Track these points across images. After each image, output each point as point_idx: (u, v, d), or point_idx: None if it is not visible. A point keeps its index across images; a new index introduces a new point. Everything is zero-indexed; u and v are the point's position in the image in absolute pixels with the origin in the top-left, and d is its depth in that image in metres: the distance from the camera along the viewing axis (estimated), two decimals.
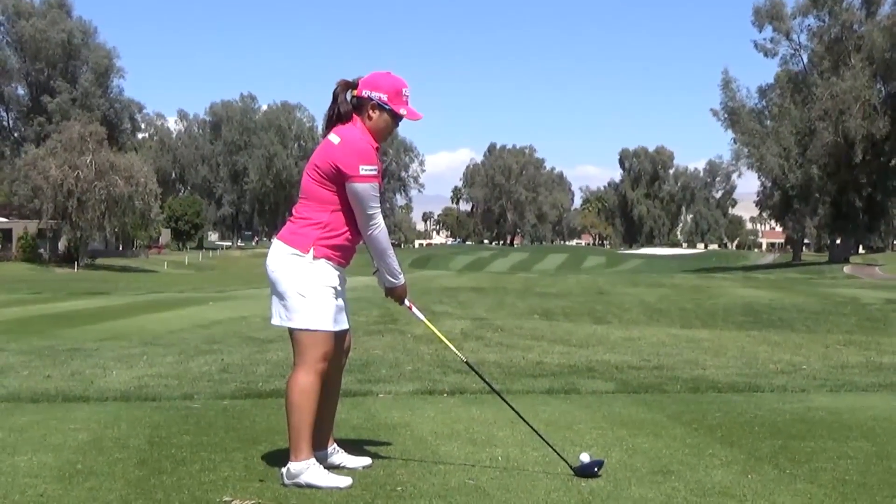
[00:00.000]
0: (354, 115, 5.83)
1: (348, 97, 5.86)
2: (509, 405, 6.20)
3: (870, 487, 5.56)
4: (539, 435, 5.87)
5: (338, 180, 5.66)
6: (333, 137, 5.75)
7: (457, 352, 6.09)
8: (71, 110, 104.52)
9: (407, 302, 6.02)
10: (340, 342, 5.90)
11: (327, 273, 5.71)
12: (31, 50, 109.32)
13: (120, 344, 14.68)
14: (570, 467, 5.67)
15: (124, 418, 7.61)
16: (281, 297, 5.73)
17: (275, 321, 5.81)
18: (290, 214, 5.88)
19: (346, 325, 5.88)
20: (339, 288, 5.77)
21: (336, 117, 5.83)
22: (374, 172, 5.67)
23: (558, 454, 5.74)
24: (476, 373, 6.25)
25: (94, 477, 5.63)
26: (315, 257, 5.69)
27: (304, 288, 5.67)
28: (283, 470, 5.58)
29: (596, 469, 5.68)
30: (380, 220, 5.75)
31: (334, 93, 5.87)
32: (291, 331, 5.73)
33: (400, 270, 5.95)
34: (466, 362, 6.16)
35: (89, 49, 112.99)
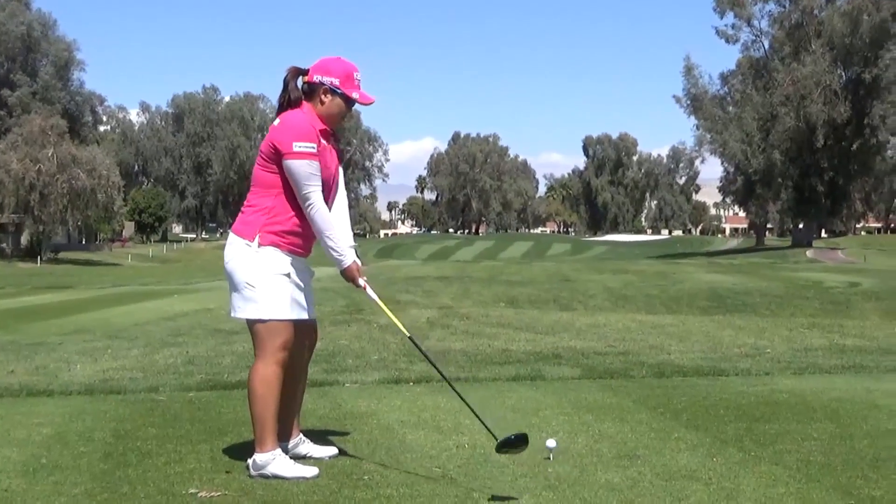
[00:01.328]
0: (304, 101, 5.82)
1: (299, 83, 5.84)
2: (448, 382, 6.12)
3: (833, 468, 5.61)
4: (472, 410, 5.80)
5: (277, 160, 5.64)
6: (276, 121, 5.76)
7: (402, 328, 6.01)
8: (31, 104, 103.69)
9: (362, 282, 5.88)
10: (302, 332, 5.85)
11: (276, 260, 5.67)
12: None
13: (84, 338, 14.58)
14: (496, 440, 5.57)
15: (89, 412, 7.56)
16: (235, 288, 5.73)
17: (233, 313, 5.80)
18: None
19: (305, 315, 5.81)
20: (293, 276, 5.71)
21: (287, 104, 5.81)
22: (310, 149, 5.62)
23: (489, 430, 5.68)
24: (419, 349, 6.16)
25: (59, 471, 5.59)
26: (261, 245, 5.67)
27: (253, 278, 5.64)
28: (249, 461, 5.57)
29: (514, 438, 5.47)
30: (315, 198, 5.65)
31: (285, 80, 5.84)
32: (248, 322, 5.72)
33: (343, 251, 5.77)
34: (410, 338, 6.09)
35: (49, 42, 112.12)
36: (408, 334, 6.01)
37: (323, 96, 5.78)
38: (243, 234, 5.72)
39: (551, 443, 5.82)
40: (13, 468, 5.67)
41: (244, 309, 5.69)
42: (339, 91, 5.77)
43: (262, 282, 5.64)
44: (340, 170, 6.07)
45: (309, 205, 5.65)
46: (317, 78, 5.78)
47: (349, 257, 5.79)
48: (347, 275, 5.85)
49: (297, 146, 5.60)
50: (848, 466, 5.65)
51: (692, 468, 5.57)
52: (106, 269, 77.23)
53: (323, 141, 5.76)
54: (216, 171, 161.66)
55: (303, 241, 5.80)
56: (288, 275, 5.69)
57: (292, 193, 5.68)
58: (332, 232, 5.74)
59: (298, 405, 6.13)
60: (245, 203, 5.83)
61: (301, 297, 5.78)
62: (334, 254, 5.78)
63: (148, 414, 7.46)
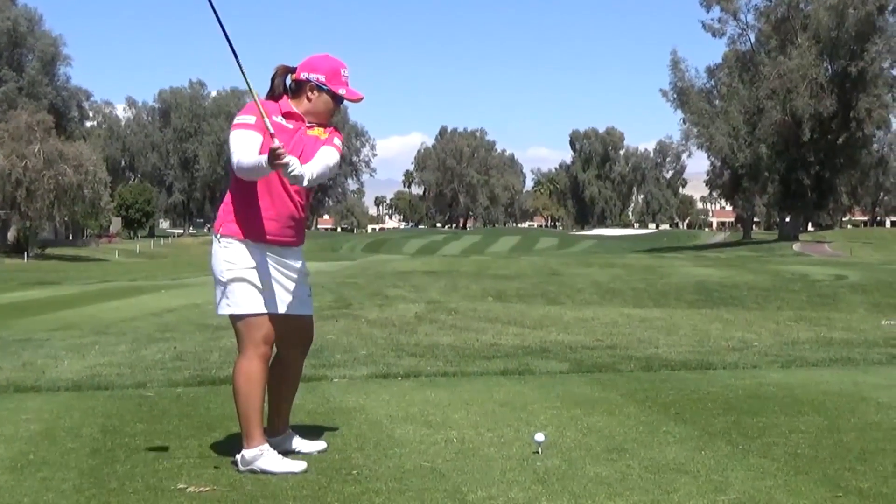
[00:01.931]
0: (288, 97, 5.81)
1: (287, 81, 5.84)
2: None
3: (821, 460, 5.63)
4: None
5: None
6: None
7: (270, 127, 5.72)
8: (17, 99, 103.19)
9: (276, 142, 5.35)
10: (290, 327, 5.84)
11: (239, 253, 5.64)
12: None
13: (71, 333, 14.56)
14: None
15: (77, 408, 7.55)
16: (214, 284, 5.77)
17: (216, 310, 5.84)
18: None
19: (281, 309, 5.75)
20: (261, 267, 5.67)
21: (272, 100, 5.82)
22: (244, 121, 5.59)
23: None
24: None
25: (47, 467, 5.58)
26: (223, 236, 5.67)
27: (221, 272, 5.67)
28: (238, 457, 5.57)
29: None
30: (237, 158, 5.50)
31: (272, 77, 5.85)
32: (230, 319, 5.77)
33: (257, 160, 5.40)
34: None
35: (35, 37, 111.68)
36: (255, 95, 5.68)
37: (309, 93, 5.76)
38: (215, 228, 5.80)
39: (539, 436, 5.83)
40: (1, 464, 5.66)
41: (220, 305, 5.73)
42: (325, 87, 5.75)
43: (228, 276, 5.64)
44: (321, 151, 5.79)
45: (236, 167, 5.55)
46: (304, 75, 5.77)
47: (261, 158, 5.39)
48: (272, 160, 5.31)
49: (238, 119, 5.64)
50: (836, 459, 5.67)
51: (681, 461, 5.59)
52: (93, 264, 77.03)
53: (286, 123, 5.68)
54: (203, 167, 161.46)
55: (268, 225, 5.68)
56: (252, 267, 5.64)
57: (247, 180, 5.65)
58: (249, 161, 5.47)
59: (289, 402, 6.13)
60: None
61: (274, 290, 5.72)
62: (254, 166, 5.46)
63: (136, 410, 7.45)
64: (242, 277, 5.63)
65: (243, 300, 5.64)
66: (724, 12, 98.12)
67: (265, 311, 5.67)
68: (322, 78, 5.73)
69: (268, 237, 5.69)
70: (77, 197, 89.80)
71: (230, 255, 5.64)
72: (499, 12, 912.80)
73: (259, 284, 5.65)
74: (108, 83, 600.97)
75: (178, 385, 8.87)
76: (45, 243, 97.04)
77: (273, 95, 5.80)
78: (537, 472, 5.38)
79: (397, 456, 5.79)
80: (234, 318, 5.69)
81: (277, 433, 5.93)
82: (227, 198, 5.75)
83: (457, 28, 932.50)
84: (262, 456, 5.53)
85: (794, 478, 5.25)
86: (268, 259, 5.69)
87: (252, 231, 5.66)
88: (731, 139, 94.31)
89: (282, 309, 5.74)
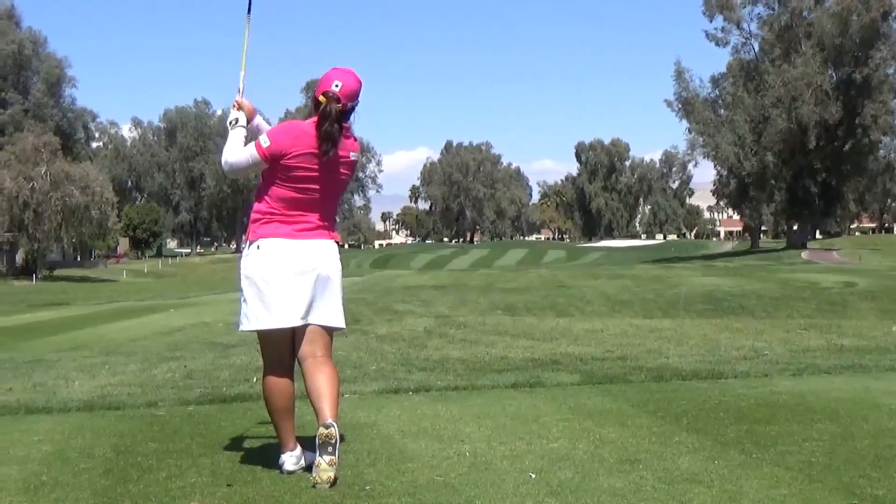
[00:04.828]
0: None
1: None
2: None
3: (836, 468, 5.61)
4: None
5: None
6: None
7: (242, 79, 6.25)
8: (24, 121, 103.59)
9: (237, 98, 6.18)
10: (305, 336, 5.83)
11: (257, 260, 5.72)
12: None
13: (81, 354, 14.55)
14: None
15: (88, 428, 7.54)
16: None
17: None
18: None
19: (281, 324, 5.72)
20: (275, 276, 5.68)
21: None
22: (261, 141, 5.76)
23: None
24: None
25: (60, 488, 5.57)
26: (251, 241, 5.78)
27: (240, 287, 5.80)
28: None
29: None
30: (225, 158, 5.89)
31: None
32: None
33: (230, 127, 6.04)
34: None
35: (40, 59, 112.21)
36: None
37: (315, 109, 5.80)
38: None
39: None
40: (14, 486, 5.65)
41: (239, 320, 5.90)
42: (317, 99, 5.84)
43: (242, 291, 5.78)
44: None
45: (224, 164, 5.94)
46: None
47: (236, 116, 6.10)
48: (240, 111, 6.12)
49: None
50: (850, 466, 5.65)
51: (694, 471, 5.57)
52: (101, 285, 77.15)
53: (310, 148, 5.71)
54: (210, 186, 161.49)
55: (281, 221, 5.77)
56: (264, 279, 5.69)
57: (264, 183, 5.81)
58: (230, 147, 5.94)
59: (324, 411, 5.62)
60: None
61: (278, 301, 5.70)
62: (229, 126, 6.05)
63: (147, 429, 7.44)
64: (247, 292, 5.72)
65: (246, 316, 5.76)
66: (727, 22, 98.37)
67: (261, 327, 5.75)
68: (317, 91, 5.89)
69: (275, 233, 5.75)
70: (84, 218, 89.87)
71: (247, 266, 5.74)
72: (502, 26, 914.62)
73: (262, 298, 5.69)
74: (114, 104, 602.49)
75: (190, 403, 8.86)
76: (53, 265, 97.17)
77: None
78: (550, 484, 5.36)
79: (410, 471, 5.77)
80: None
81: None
82: (252, 212, 5.86)
83: (460, 43, 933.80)
84: (284, 463, 5.77)
85: (808, 486, 5.23)
86: (285, 259, 5.71)
87: (263, 228, 5.77)
88: (736, 148, 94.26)
89: (277, 323, 5.74)
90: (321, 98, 5.73)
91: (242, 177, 5.89)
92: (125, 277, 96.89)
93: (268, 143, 5.71)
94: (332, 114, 5.66)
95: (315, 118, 5.75)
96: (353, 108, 5.82)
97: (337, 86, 5.75)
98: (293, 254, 5.71)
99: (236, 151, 5.86)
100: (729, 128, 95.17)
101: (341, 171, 5.82)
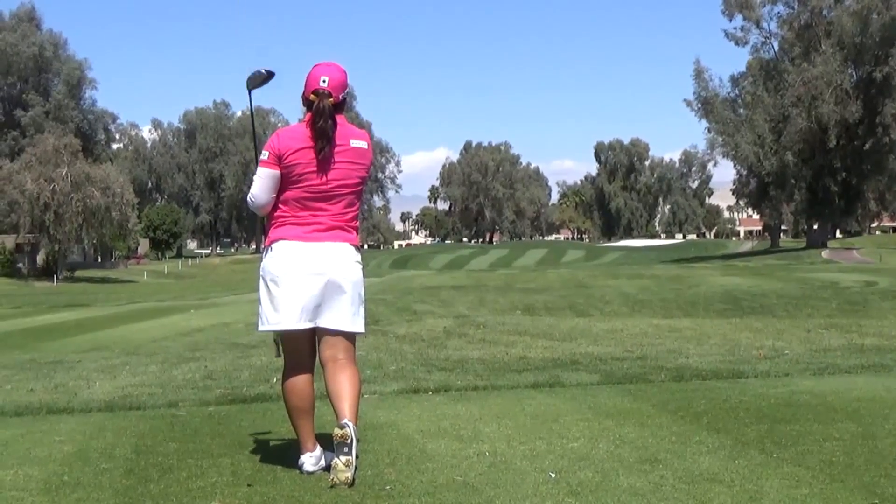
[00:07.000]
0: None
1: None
2: None
3: (857, 468, 5.59)
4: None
5: None
6: None
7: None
8: (45, 123, 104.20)
9: None
10: (322, 338, 5.84)
11: (270, 262, 5.76)
12: (2, 64, 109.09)
13: (102, 355, 14.62)
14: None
15: (109, 428, 7.57)
16: None
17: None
18: None
19: (290, 325, 5.73)
20: (283, 277, 5.70)
21: None
22: (262, 158, 5.77)
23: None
24: None
25: (81, 488, 5.59)
26: (267, 244, 5.83)
27: (257, 287, 5.88)
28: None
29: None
30: (249, 197, 5.85)
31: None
32: None
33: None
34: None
35: (60, 61, 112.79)
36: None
37: (308, 109, 5.82)
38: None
39: None
40: (35, 486, 5.68)
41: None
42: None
43: (260, 290, 5.82)
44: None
45: (249, 202, 5.88)
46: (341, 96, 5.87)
47: None
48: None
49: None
50: (871, 466, 5.62)
51: (714, 471, 5.55)
52: (122, 286, 77.47)
53: (305, 144, 5.70)
54: (229, 186, 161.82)
55: (294, 223, 5.78)
56: (274, 280, 5.72)
57: (279, 189, 5.82)
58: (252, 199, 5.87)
59: (344, 413, 5.63)
60: None
61: (285, 302, 5.71)
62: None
63: (168, 429, 7.46)
64: (263, 294, 5.76)
65: (260, 318, 5.80)
66: (746, 21, 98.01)
67: (272, 328, 5.80)
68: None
69: (286, 236, 5.76)
70: (105, 219, 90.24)
71: (263, 268, 5.76)
72: (522, 27, 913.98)
73: (273, 299, 5.72)
74: (134, 105, 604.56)
75: (210, 404, 8.89)
76: (73, 266, 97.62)
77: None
78: (570, 484, 5.36)
79: (430, 471, 5.77)
80: None
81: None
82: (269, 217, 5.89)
83: (479, 44, 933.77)
84: (304, 464, 5.78)
85: (829, 486, 5.21)
86: (294, 261, 5.70)
87: (277, 232, 5.79)
88: (756, 147, 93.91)
89: (286, 324, 5.75)
90: (312, 97, 5.73)
91: (269, 203, 5.81)
92: (145, 278, 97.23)
93: (267, 153, 5.73)
94: (325, 109, 5.65)
95: (308, 116, 5.74)
96: (344, 100, 5.84)
97: (324, 81, 5.73)
98: (303, 256, 5.69)
99: (252, 185, 5.87)
100: (748, 127, 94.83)
101: (344, 161, 5.76)
